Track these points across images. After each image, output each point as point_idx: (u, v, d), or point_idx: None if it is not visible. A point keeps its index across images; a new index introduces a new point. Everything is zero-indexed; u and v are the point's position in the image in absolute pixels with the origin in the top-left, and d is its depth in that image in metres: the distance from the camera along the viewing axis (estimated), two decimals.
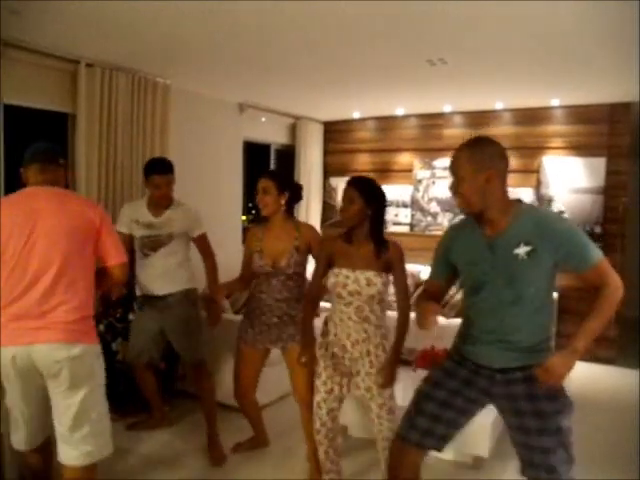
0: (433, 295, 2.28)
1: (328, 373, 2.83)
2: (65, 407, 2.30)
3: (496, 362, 2.12)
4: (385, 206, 2.86)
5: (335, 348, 2.82)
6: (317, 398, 2.87)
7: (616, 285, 2.06)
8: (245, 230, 6.35)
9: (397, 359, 2.77)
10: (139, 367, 3.68)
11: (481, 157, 2.02)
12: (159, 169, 3.47)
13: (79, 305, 2.34)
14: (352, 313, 2.75)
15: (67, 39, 3.66)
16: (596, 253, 2.04)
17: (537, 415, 2.03)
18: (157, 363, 3.75)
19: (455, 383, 2.20)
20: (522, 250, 1.99)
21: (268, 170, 3.37)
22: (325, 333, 2.89)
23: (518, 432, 2.10)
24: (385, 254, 2.74)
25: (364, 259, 2.72)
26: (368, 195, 2.74)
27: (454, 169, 2.10)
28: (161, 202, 3.52)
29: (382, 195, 2.83)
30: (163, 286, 3.53)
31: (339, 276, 2.75)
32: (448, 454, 3.38)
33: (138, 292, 3.65)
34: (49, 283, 2.27)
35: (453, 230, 2.33)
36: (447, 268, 2.27)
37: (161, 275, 3.52)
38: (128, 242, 3.50)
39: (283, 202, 3.17)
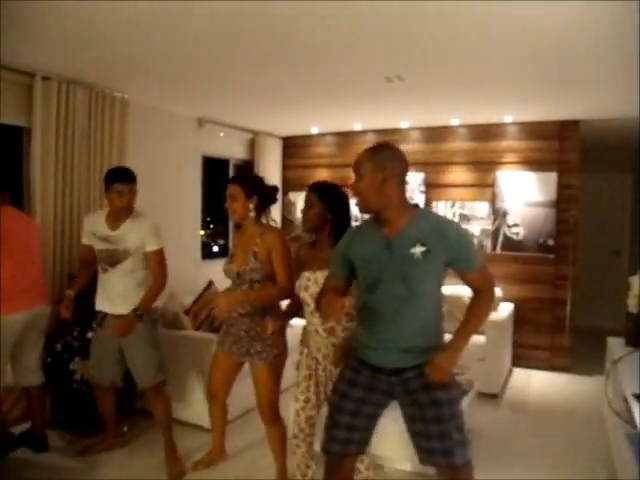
0: (335, 294, 2.26)
1: (305, 383, 2.89)
2: None
3: (392, 364, 2.22)
4: (347, 210, 2.90)
5: (310, 360, 2.88)
6: (296, 406, 2.92)
7: (493, 288, 2.30)
8: (204, 244, 6.32)
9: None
10: (101, 389, 3.58)
11: (380, 158, 2.15)
12: (122, 177, 3.35)
13: None
14: (318, 325, 2.79)
15: (23, 51, 3.59)
16: (480, 258, 2.25)
17: (434, 404, 2.18)
18: (118, 383, 3.65)
19: (358, 391, 2.28)
20: (418, 250, 2.10)
21: (236, 175, 3.31)
22: (302, 342, 2.95)
23: (417, 422, 2.22)
24: None
25: (324, 261, 2.73)
26: (328, 199, 2.81)
27: (355, 168, 2.19)
28: (121, 212, 3.38)
29: (343, 199, 2.88)
30: (122, 307, 3.38)
31: (302, 279, 2.82)
32: (407, 466, 3.41)
33: (98, 307, 3.50)
34: None
35: (354, 231, 2.38)
36: (346, 267, 2.30)
37: (120, 295, 3.39)
38: (90, 253, 3.44)
39: (252, 207, 3.12)
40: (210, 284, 4.79)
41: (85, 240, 3.48)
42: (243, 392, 3.53)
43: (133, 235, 3.36)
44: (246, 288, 3.07)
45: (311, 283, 2.78)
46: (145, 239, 3.37)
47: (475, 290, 2.26)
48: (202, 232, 6.49)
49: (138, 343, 3.39)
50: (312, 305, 2.75)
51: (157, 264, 3.40)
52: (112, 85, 4.47)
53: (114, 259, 3.37)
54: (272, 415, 3.17)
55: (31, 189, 4.03)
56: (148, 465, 3.56)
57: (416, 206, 2.27)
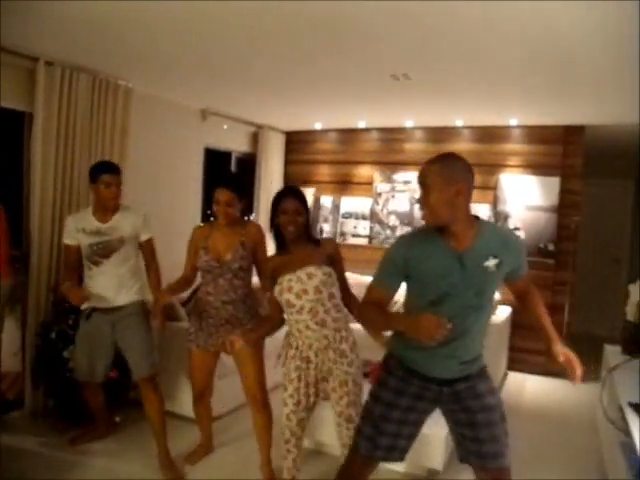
0: (382, 306, 2.24)
1: (294, 386, 2.82)
2: None
3: (447, 375, 2.22)
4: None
5: (298, 361, 2.81)
6: (286, 410, 2.86)
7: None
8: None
9: None
10: (91, 385, 3.56)
11: (451, 170, 2.08)
12: (109, 169, 3.39)
13: None
14: (308, 320, 2.74)
15: (27, 36, 3.55)
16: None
17: (484, 410, 2.22)
18: (109, 376, 3.62)
19: (406, 400, 2.26)
20: (491, 263, 2.09)
21: (229, 179, 3.27)
22: (287, 346, 2.88)
23: (467, 427, 2.24)
24: (321, 248, 2.83)
25: (302, 260, 2.77)
26: (305, 204, 2.85)
27: (424, 181, 2.11)
28: (109, 205, 3.39)
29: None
30: (116, 297, 3.39)
31: (282, 283, 2.77)
32: (401, 467, 3.41)
33: (84, 305, 3.40)
34: None
35: (408, 241, 2.26)
36: (399, 279, 2.22)
37: (115, 285, 3.38)
38: (75, 253, 3.42)
39: (239, 209, 3.22)
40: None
41: (69, 240, 3.42)
42: (234, 387, 3.52)
43: (128, 224, 3.43)
44: (230, 277, 3.16)
45: (293, 283, 2.74)
46: (140, 228, 3.47)
47: (525, 293, 2.40)
48: (202, 224, 6.45)
49: (135, 334, 3.40)
50: (297, 304, 2.74)
51: (151, 252, 3.56)
52: (116, 73, 4.44)
53: (108, 250, 3.37)
54: (262, 398, 3.21)
55: (31, 174, 4.00)
56: (140, 455, 3.55)
57: (476, 217, 2.21)
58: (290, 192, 2.87)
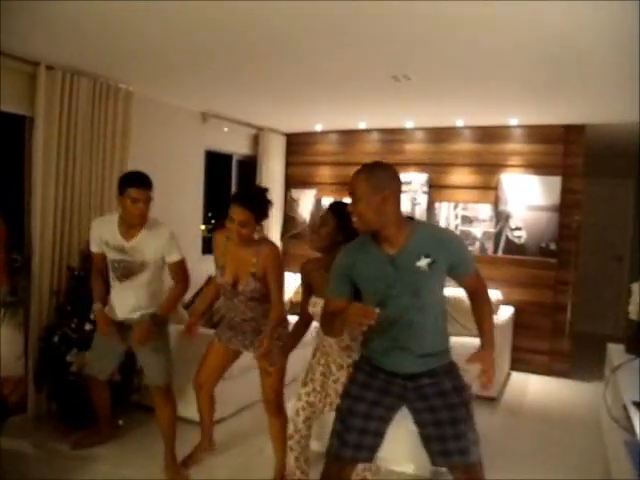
0: (337, 314, 2.28)
1: (313, 386, 2.86)
2: None
3: (407, 368, 2.27)
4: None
5: (322, 367, 2.86)
6: (297, 405, 2.90)
7: (486, 286, 2.43)
8: (205, 239, 6.29)
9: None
10: (97, 382, 3.55)
11: (377, 179, 2.17)
12: (138, 182, 3.13)
13: None
14: (333, 342, 2.77)
15: (28, 40, 3.56)
16: (474, 262, 2.37)
17: (449, 408, 2.26)
18: (115, 377, 3.62)
19: (372, 394, 2.31)
20: (423, 262, 2.16)
21: (245, 196, 3.04)
22: (318, 348, 2.91)
23: (432, 426, 2.28)
24: None
25: None
26: (342, 219, 2.66)
27: (352, 190, 2.19)
28: (135, 222, 3.18)
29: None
30: (133, 314, 3.32)
31: (316, 306, 2.74)
32: (408, 468, 3.40)
33: (107, 310, 3.38)
34: None
35: (350, 250, 2.34)
36: (349, 285, 2.30)
37: (132, 305, 3.30)
38: (101, 260, 3.35)
39: (255, 229, 3.07)
40: (210, 279, 4.77)
41: (95, 248, 3.33)
42: (238, 389, 3.52)
43: (151, 246, 3.21)
44: (244, 300, 3.13)
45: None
46: (164, 250, 3.24)
47: (473, 291, 2.39)
48: (203, 227, 6.47)
49: (152, 344, 3.30)
50: None
51: (180, 272, 3.32)
52: (117, 77, 4.44)
53: (129, 271, 3.24)
54: (277, 404, 3.19)
55: (32, 179, 4.01)
56: (143, 458, 3.54)
57: (410, 219, 2.31)
58: (329, 206, 2.86)
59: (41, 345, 3.92)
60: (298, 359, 3.24)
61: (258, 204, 3.02)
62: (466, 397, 2.33)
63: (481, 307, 2.39)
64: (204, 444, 3.57)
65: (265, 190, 3.12)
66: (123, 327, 3.38)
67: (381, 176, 2.19)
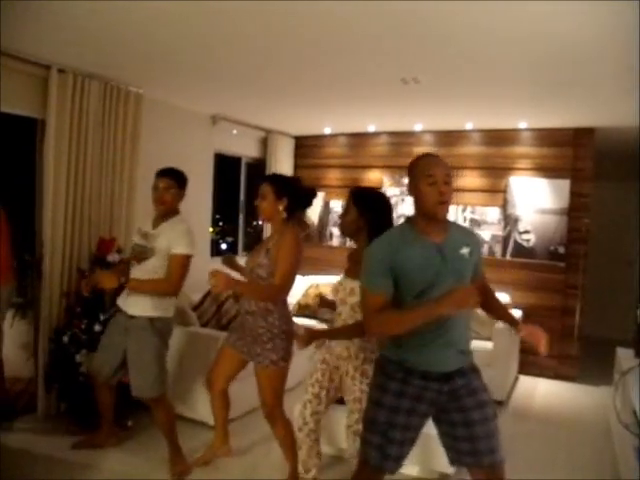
0: (390, 308, 2.23)
1: (317, 376, 2.91)
2: None
3: (445, 366, 2.25)
4: (384, 216, 2.81)
5: (327, 355, 2.90)
6: (304, 398, 2.94)
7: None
8: (213, 242, 6.32)
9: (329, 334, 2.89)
10: (100, 384, 3.55)
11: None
12: (161, 172, 3.33)
13: None
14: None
15: (39, 44, 3.60)
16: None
17: (479, 406, 2.26)
18: (120, 377, 3.60)
19: (407, 402, 2.26)
20: (465, 250, 2.27)
21: (270, 174, 3.28)
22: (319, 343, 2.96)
23: (463, 426, 2.26)
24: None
25: (355, 269, 2.64)
26: (362, 206, 2.77)
27: (448, 173, 2.26)
28: (157, 209, 3.33)
29: (380, 204, 2.84)
30: (131, 304, 3.30)
31: (336, 283, 2.87)
32: (413, 470, 3.40)
33: (117, 301, 3.44)
34: None
35: (389, 242, 2.25)
36: (391, 279, 2.20)
37: (134, 295, 3.30)
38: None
39: (281, 208, 3.06)
40: None
41: (133, 237, 3.49)
42: (248, 389, 3.52)
43: (164, 235, 3.26)
44: (252, 281, 3.11)
45: (341, 288, 2.81)
46: (173, 241, 3.23)
47: (482, 290, 2.39)
48: (211, 229, 6.49)
49: (138, 350, 3.27)
50: (338, 309, 2.83)
51: (175, 266, 3.23)
52: (127, 79, 4.48)
53: (141, 255, 3.29)
54: (270, 416, 3.16)
55: (43, 181, 4.03)
56: (152, 459, 3.55)
57: None
58: (349, 193, 2.93)
59: (51, 346, 3.95)
60: (299, 361, 3.23)
61: (278, 179, 3.17)
62: (490, 395, 2.36)
63: (496, 300, 2.57)
64: (217, 446, 3.56)
65: (297, 179, 3.30)
66: (125, 322, 3.32)
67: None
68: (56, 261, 4.04)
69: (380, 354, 2.42)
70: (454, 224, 2.40)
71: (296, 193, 3.12)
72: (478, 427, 2.24)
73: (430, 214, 2.19)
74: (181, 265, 3.23)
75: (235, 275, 3.02)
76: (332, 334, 2.85)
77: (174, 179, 3.33)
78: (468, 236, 2.38)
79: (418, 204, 2.24)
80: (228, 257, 3.52)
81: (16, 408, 4.01)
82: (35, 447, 3.64)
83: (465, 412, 2.26)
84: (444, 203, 2.18)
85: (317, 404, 2.90)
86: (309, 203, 3.19)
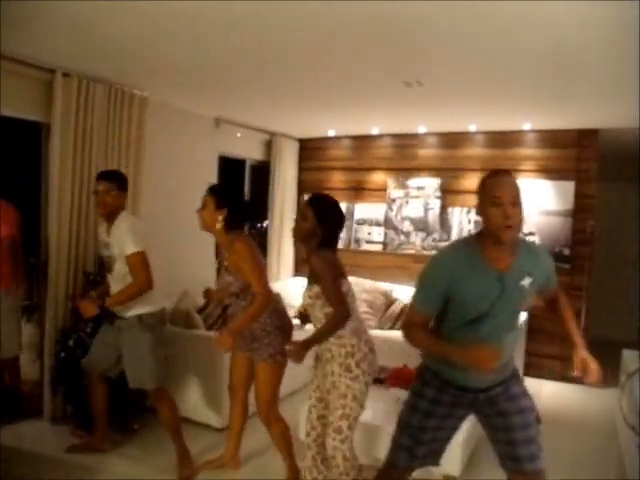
0: (426, 327, 2.24)
1: (318, 380, 2.90)
2: None
3: (481, 384, 2.25)
4: (339, 224, 2.86)
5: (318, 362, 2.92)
6: (309, 404, 2.95)
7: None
8: (217, 245, 6.30)
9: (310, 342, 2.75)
10: (93, 377, 3.55)
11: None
12: (100, 175, 3.38)
13: None
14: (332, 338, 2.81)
15: (44, 48, 3.61)
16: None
17: (520, 412, 2.27)
18: (113, 376, 3.57)
19: (443, 409, 2.30)
20: (526, 282, 2.13)
21: (213, 185, 3.27)
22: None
23: (503, 431, 2.28)
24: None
25: (312, 275, 2.77)
26: (320, 212, 2.77)
27: (515, 193, 2.06)
28: (100, 213, 3.40)
29: (336, 212, 2.85)
30: (120, 308, 3.32)
31: (303, 291, 2.90)
32: (419, 473, 3.38)
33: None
34: None
35: (452, 262, 2.17)
36: (441, 301, 2.17)
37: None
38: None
39: (220, 218, 3.10)
40: None
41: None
42: (250, 393, 3.52)
43: (114, 239, 3.30)
44: (233, 298, 3.16)
45: (303, 296, 2.87)
46: (122, 244, 3.23)
47: (555, 299, 2.45)
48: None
49: (132, 345, 3.32)
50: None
51: (134, 268, 3.21)
52: (131, 83, 4.49)
53: (108, 266, 3.37)
54: (267, 414, 3.18)
55: (49, 184, 4.05)
56: (158, 462, 3.56)
57: None
58: (308, 200, 2.88)
59: (57, 348, 3.96)
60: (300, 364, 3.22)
61: (219, 190, 3.20)
62: (532, 401, 2.35)
63: (566, 311, 2.44)
64: (227, 457, 3.53)
65: (240, 192, 3.29)
66: (117, 323, 3.36)
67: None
68: (62, 264, 4.05)
69: (422, 361, 2.45)
70: (525, 244, 2.23)
71: (237, 206, 3.16)
72: (518, 432, 2.24)
73: (495, 237, 2.05)
74: (138, 263, 3.21)
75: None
76: (317, 338, 2.80)
77: (113, 181, 3.37)
78: (536, 259, 2.19)
79: (485, 225, 2.12)
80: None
81: (23, 410, 4.02)
82: (42, 450, 3.64)
83: (504, 417, 2.27)
84: (510, 227, 2.01)
85: (322, 408, 2.89)
86: (250, 217, 3.21)
